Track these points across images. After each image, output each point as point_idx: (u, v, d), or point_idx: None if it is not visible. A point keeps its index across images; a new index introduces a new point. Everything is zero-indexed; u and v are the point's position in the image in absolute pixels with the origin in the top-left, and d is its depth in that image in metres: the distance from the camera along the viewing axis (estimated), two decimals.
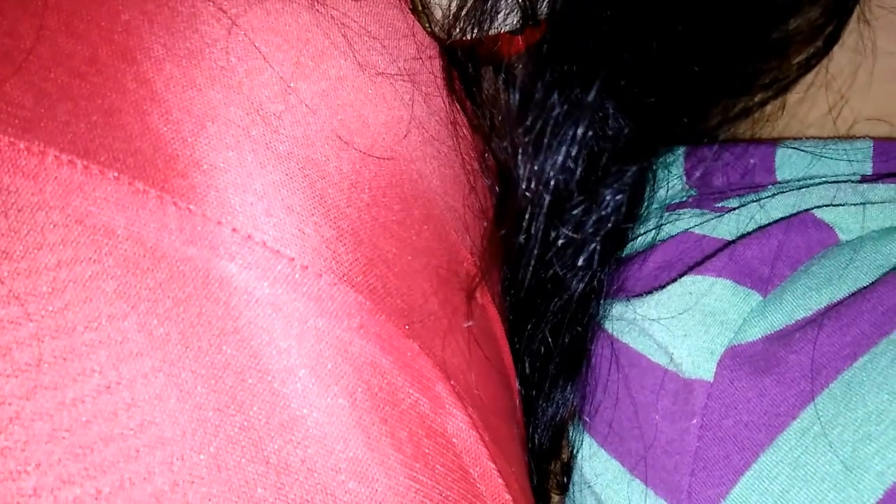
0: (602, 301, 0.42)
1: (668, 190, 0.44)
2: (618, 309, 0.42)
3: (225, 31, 0.33)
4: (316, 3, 0.35)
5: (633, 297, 0.42)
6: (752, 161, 0.43)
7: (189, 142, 0.31)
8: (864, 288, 0.37)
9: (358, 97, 0.35)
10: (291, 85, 0.33)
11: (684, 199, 0.44)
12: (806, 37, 0.41)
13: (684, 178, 0.45)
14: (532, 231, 0.40)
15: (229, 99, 0.32)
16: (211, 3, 0.33)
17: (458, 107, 0.40)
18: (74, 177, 0.29)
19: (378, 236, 0.34)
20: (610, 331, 0.42)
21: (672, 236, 0.42)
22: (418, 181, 0.37)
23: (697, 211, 0.43)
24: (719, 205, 0.42)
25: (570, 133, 0.39)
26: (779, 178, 0.42)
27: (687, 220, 0.43)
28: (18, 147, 0.29)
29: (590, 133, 0.39)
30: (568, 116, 0.39)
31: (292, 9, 0.34)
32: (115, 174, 0.30)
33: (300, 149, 0.33)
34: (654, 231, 0.43)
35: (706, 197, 0.43)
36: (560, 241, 0.40)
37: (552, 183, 0.40)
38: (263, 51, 0.33)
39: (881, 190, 0.40)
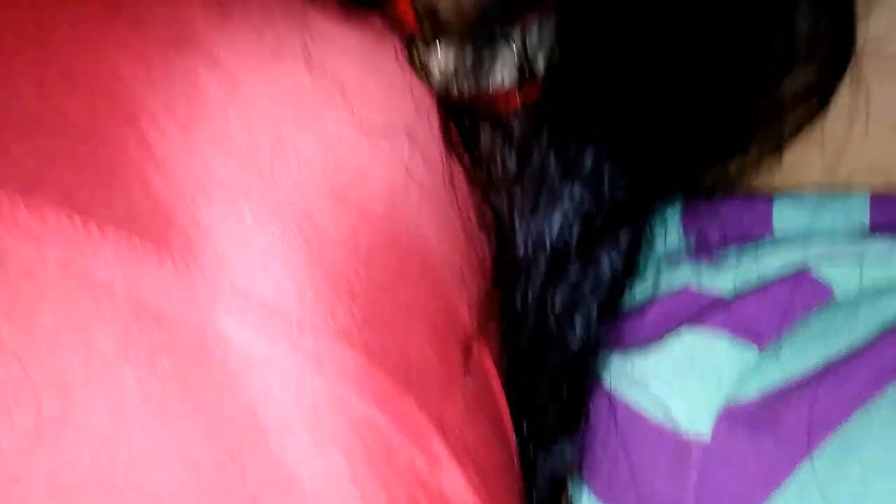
0: (600, 356, 0.43)
1: (665, 242, 0.45)
2: (616, 364, 0.43)
3: (225, 92, 0.34)
4: (314, 63, 0.36)
5: (632, 351, 0.42)
6: (749, 214, 0.44)
7: (188, 201, 0.32)
8: (860, 345, 0.38)
9: (356, 154, 0.36)
10: (290, 144, 0.34)
11: (682, 251, 0.45)
12: (799, 97, 0.42)
13: (682, 231, 0.45)
14: (529, 292, 0.41)
15: (229, 159, 0.33)
16: (212, 65, 0.34)
17: (456, 161, 0.41)
18: (75, 235, 0.30)
19: (375, 293, 0.35)
20: (608, 386, 0.43)
21: (670, 290, 0.43)
22: (415, 237, 0.37)
23: (695, 264, 0.43)
24: (717, 258, 0.43)
25: (567, 196, 0.40)
26: (777, 231, 0.43)
27: (685, 273, 0.43)
28: (19, 205, 0.30)
29: (586, 196, 0.40)
30: (564, 179, 0.40)
31: (291, 69, 0.35)
32: (115, 232, 0.31)
33: (298, 207, 0.34)
34: (652, 284, 0.44)
35: (704, 250, 0.44)
36: (557, 302, 0.41)
37: (548, 245, 0.41)
38: (262, 111, 0.34)
39: (877, 245, 0.40)
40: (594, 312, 0.42)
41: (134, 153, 0.32)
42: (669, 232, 0.45)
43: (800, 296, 0.40)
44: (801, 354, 0.38)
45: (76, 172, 0.31)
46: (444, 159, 0.40)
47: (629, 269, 0.43)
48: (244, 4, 0.36)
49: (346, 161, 0.36)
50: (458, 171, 0.41)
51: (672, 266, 0.44)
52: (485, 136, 0.44)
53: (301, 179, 0.34)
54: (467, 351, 0.39)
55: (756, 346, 0.40)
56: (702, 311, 0.41)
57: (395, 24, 0.42)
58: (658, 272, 0.44)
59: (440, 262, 0.38)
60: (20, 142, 0.31)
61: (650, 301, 0.43)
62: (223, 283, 0.32)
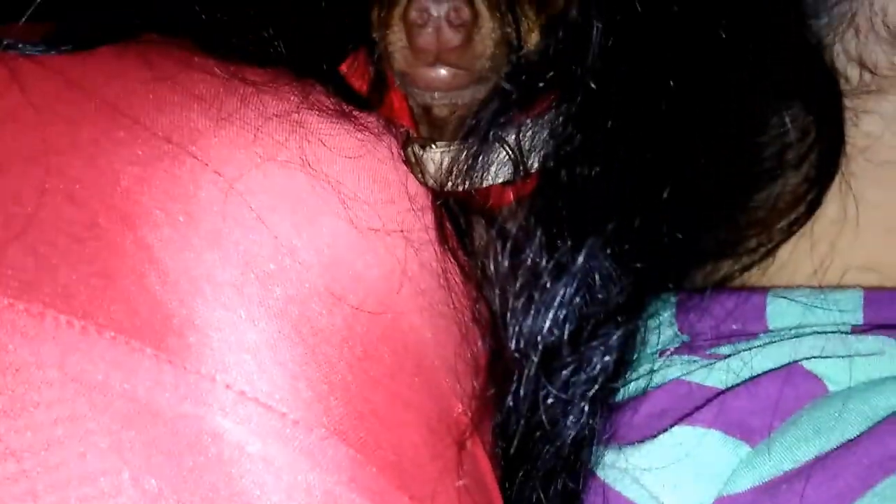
0: (594, 449, 0.43)
1: (660, 335, 0.46)
2: (610, 457, 0.43)
3: (222, 194, 0.35)
4: (310, 164, 0.37)
5: (626, 445, 0.43)
6: (743, 310, 0.44)
7: (185, 302, 0.33)
8: (851, 440, 0.38)
9: (351, 253, 0.37)
10: (286, 244, 0.35)
11: (676, 345, 0.46)
12: (788, 203, 0.43)
13: (676, 325, 0.46)
14: (521, 388, 0.42)
15: (225, 259, 0.34)
16: (209, 168, 0.35)
17: (450, 256, 0.42)
18: (72, 337, 0.31)
19: (369, 390, 0.36)
20: (602, 478, 0.43)
21: (664, 384, 0.44)
22: (409, 333, 0.38)
23: (689, 358, 0.44)
24: (711, 351, 0.44)
25: (559, 297, 0.41)
26: (770, 327, 0.44)
27: (679, 368, 0.44)
28: (18, 308, 0.31)
29: (577, 297, 0.41)
30: (556, 280, 0.41)
31: (287, 171, 0.37)
32: (112, 334, 0.31)
33: (293, 306, 0.35)
34: (645, 379, 0.44)
35: (698, 344, 0.45)
36: (549, 401, 0.42)
37: (540, 344, 0.41)
38: (259, 212, 0.35)
39: (869, 342, 0.41)
40: (586, 408, 0.42)
41: (131, 255, 0.33)
42: (664, 327, 0.46)
43: (792, 390, 0.40)
44: (792, 450, 0.39)
45: (74, 274, 0.32)
46: (439, 257, 0.41)
47: (621, 367, 0.43)
48: (241, 107, 0.38)
49: (341, 260, 0.36)
50: (452, 267, 0.41)
51: (666, 361, 0.45)
52: (479, 232, 0.45)
53: (297, 279, 0.35)
54: (461, 447, 0.39)
55: (747, 444, 0.40)
56: (694, 406, 0.42)
57: (390, 124, 0.43)
58: (652, 367, 0.45)
59: (434, 357, 0.39)
60: (19, 244, 0.32)
61: (644, 393, 0.44)
62: (219, 383, 0.32)
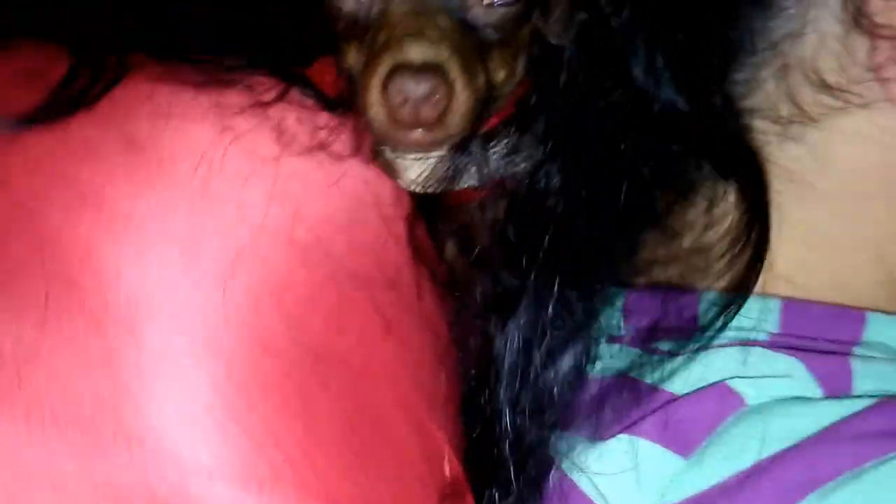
0: (553, 444, 0.47)
1: (606, 325, 0.48)
2: (567, 448, 0.47)
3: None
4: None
5: (582, 441, 0.46)
6: (680, 307, 0.47)
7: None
8: (768, 459, 0.42)
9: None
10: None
11: (622, 335, 0.48)
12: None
13: (622, 319, 0.48)
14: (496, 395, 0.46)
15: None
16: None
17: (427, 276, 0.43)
18: None
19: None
20: (563, 469, 0.47)
21: (609, 376, 0.47)
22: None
23: (632, 351, 0.47)
24: (650, 349, 0.46)
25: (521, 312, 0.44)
26: (702, 325, 0.46)
27: (622, 360, 0.47)
28: None
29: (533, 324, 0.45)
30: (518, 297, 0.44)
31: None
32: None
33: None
34: (590, 367, 0.47)
35: (641, 337, 0.47)
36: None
37: (507, 357, 0.45)
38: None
39: (781, 364, 0.44)
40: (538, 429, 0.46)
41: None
42: (613, 314, 0.48)
43: (717, 407, 0.44)
44: (717, 467, 0.42)
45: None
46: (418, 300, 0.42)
47: (577, 379, 0.46)
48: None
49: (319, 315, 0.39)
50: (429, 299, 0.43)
51: (612, 348, 0.47)
52: (450, 248, 0.47)
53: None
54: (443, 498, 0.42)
55: (682, 456, 0.43)
56: (640, 409, 0.45)
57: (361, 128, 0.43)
58: (597, 352, 0.47)
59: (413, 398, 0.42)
60: None
61: (590, 381, 0.47)
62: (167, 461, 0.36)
